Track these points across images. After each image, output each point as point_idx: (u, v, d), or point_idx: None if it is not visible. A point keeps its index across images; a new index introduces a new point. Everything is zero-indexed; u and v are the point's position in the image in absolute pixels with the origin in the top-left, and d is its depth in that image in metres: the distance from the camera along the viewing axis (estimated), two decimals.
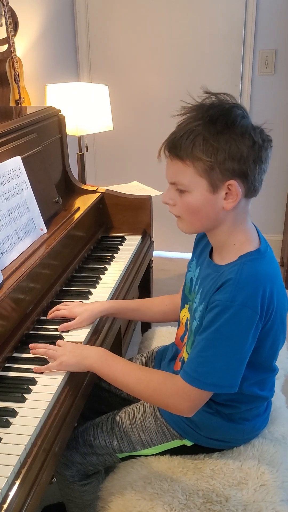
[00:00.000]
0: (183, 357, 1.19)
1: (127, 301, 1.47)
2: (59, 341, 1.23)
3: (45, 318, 1.38)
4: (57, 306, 1.38)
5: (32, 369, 1.16)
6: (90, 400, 1.41)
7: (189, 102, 1.01)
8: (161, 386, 1.07)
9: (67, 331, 1.31)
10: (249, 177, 0.98)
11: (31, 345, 1.21)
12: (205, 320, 1.02)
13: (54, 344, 1.22)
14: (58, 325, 1.33)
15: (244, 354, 1.00)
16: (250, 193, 1.02)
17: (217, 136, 0.95)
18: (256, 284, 0.97)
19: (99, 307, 1.35)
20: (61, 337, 1.28)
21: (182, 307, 1.24)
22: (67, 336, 1.29)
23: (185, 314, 1.22)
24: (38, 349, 1.20)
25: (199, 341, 1.02)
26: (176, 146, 0.98)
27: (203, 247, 1.17)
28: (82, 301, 1.45)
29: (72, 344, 1.21)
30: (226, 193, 0.99)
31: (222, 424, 1.15)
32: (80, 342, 1.27)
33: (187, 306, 1.21)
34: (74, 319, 1.33)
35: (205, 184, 0.99)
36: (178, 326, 1.28)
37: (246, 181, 0.99)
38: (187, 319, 1.20)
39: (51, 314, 1.36)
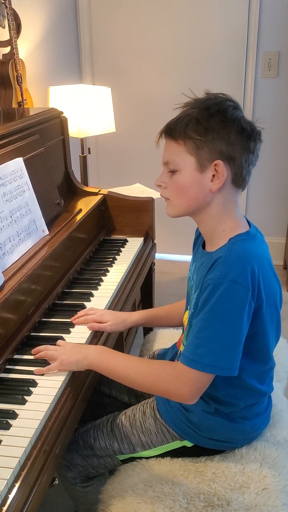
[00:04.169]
0: (180, 352, 1.19)
1: (154, 309, 1.49)
2: (59, 341, 1.23)
3: (46, 319, 1.38)
4: (85, 310, 1.38)
5: (32, 371, 1.15)
6: (90, 407, 1.41)
7: (190, 97, 1.09)
8: (161, 372, 1.08)
9: (70, 332, 1.31)
10: (236, 162, 1.04)
11: (33, 351, 1.20)
12: (200, 301, 1.03)
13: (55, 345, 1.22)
14: (59, 327, 1.33)
15: (241, 333, 1.01)
16: (238, 180, 1.06)
17: (209, 118, 1.02)
18: (245, 262, 1.00)
19: (130, 318, 1.37)
20: (62, 339, 1.28)
21: (186, 309, 1.24)
22: (68, 339, 1.29)
23: (187, 318, 1.22)
24: (39, 352, 1.19)
25: (196, 323, 1.03)
26: (171, 128, 1.06)
27: (198, 244, 1.19)
28: (84, 304, 1.44)
29: (72, 344, 1.22)
30: (213, 175, 1.04)
31: (222, 424, 1.14)
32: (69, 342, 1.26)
33: (188, 307, 1.21)
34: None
35: (193, 162, 1.04)
36: (183, 330, 1.28)
37: (233, 164, 1.04)
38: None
39: (79, 319, 1.35)
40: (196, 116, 1.03)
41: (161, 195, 1.13)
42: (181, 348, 1.19)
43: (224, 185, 1.04)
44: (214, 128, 1.02)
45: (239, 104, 1.07)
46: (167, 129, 1.07)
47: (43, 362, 1.17)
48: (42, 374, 1.14)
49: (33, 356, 1.19)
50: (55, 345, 1.22)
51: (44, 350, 1.19)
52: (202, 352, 1.01)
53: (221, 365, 1.01)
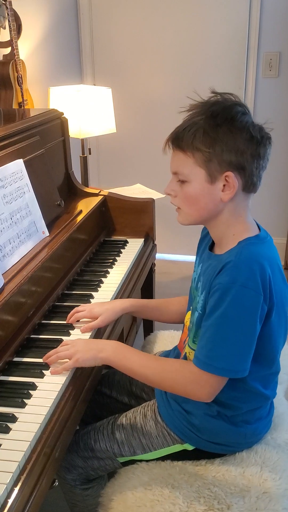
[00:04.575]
0: (185, 355, 1.19)
1: (146, 300, 1.49)
2: (67, 340, 1.22)
3: (46, 321, 1.37)
4: (76, 308, 1.37)
5: (32, 373, 1.15)
6: (91, 407, 1.41)
7: (196, 100, 1.06)
8: (178, 375, 1.09)
9: (70, 335, 1.31)
10: (247, 171, 1.02)
11: (44, 358, 1.18)
12: (208, 305, 1.03)
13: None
14: (59, 329, 1.33)
15: (254, 336, 1.01)
16: (248, 187, 1.05)
17: (216, 128, 1.00)
18: (255, 266, 0.99)
19: (121, 305, 1.35)
20: (62, 341, 1.27)
21: (188, 309, 1.24)
22: (68, 340, 1.28)
23: (188, 319, 1.22)
24: (50, 358, 1.18)
25: (208, 327, 1.03)
26: (178, 138, 1.04)
27: (205, 245, 1.19)
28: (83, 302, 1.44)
29: (83, 340, 1.22)
30: (224, 185, 1.03)
31: (223, 427, 1.14)
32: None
33: (191, 308, 1.21)
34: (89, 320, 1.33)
35: (203, 175, 1.03)
36: (183, 330, 1.28)
37: (243, 174, 1.02)
38: (190, 322, 1.19)
39: (71, 319, 1.35)
40: (203, 126, 1.00)
41: (171, 202, 1.11)
42: (187, 349, 1.18)
43: (235, 194, 1.03)
44: (222, 139, 0.99)
45: (247, 108, 1.04)
46: (174, 139, 1.05)
47: (43, 365, 1.17)
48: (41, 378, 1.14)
49: (46, 362, 1.17)
50: (56, 345, 1.21)
51: (54, 354, 1.17)
52: (215, 356, 1.01)
53: (235, 368, 1.02)
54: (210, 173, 1.02)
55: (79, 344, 1.18)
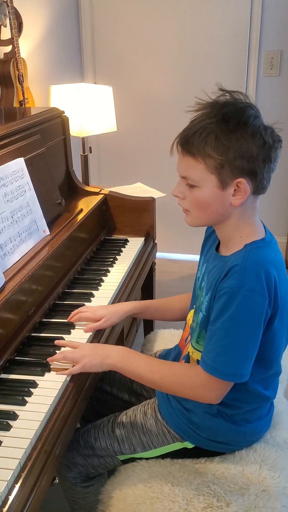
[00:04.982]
0: (188, 354, 1.20)
1: (148, 301, 1.49)
2: (73, 343, 1.23)
3: (47, 320, 1.38)
4: (79, 309, 1.38)
5: (33, 371, 1.16)
6: (91, 404, 1.42)
7: (203, 99, 1.03)
8: (185, 379, 1.09)
9: (71, 333, 1.31)
10: (258, 176, 1.01)
11: (49, 359, 1.18)
12: (214, 308, 1.03)
13: (56, 348, 1.22)
14: (59, 328, 1.33)
15: (258, 340, 1.02)
16: (258, 191, 1.05)
17: (229, 135, 0.98)
18: (261, 270, 0.99)
19: (124, 308, 1.36)
20: (61, 339, 1.28)
21: (191, 308, 1.24)
22: (68, 339, 1.29)
23: (191, 317, 1.22)
24: (55, 357, 1.18)
25: (215, 331, 1.03)
26: (188, 142, 1.01)
27: (210, 244, 1.19)
28: (84, 304, 1.44)
29: (89, 344, 1.22)
30: (235, 190, 1.02)
31: (223, 425, 1.15)
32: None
33: (194, 307, 1.21)
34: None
35: (214, 181, 1.01)
36: (184, 328, 1.28)
37: (255, 179, 1.01)
38: (193, 321, 1.20)
39: (74, 317, 1.35)
40: (215, 131, 0.97)
41: (179, 204, 1.10)
42: (190, 348, 1.19)
43: (246, 198, 1.03)
44: (235, 146, 0.97)
45: (257, 108, 1.02)
46: (184, 143, 1.02)
47: (44, 364, 1.18)
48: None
49: (50, 363, 1.18)
50: (59, 348, 1.21)
51: (61, 355, 1.18)
52: (222, 361, 1.02)
53: (240, 373, 1.02)
54: (222, 179, 1.00)
55: (86, 349, 1.18)
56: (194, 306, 1.21)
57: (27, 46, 2.67)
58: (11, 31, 2.36)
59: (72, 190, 1.99)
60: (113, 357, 1.15)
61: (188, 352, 1.20)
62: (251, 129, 0.98)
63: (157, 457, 1.21)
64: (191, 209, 1.08)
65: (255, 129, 0.98)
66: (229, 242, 1.09)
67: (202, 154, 0.99)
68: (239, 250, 1.04)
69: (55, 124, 1.87)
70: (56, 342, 1.25)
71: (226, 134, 0.97)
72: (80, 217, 1.75)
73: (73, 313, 1.37)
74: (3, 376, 1.15)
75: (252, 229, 1.07)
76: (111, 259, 1.75)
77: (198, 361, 1.15)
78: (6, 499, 0.86)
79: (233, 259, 1.03)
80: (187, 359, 1.20)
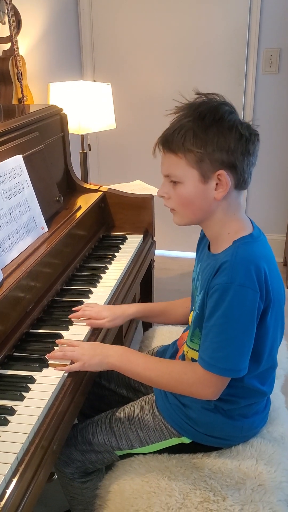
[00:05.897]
0: (183, 353, 1.21)
1: (151, 304, 1.51)
2: (73, 342, 1.24)
3: (45, 316, 1.38)
4: (86, 303, 1.40)
5: (31, 366, 1.16)
6: (89, 399, 1.42)
7: (182, 102, 1.07)
8: (182, 376, 1.10)
9: (69, 329, 1.32)
10: (238, 168, 1.03)
11: (48, 356, 1.19)
12: (208, 306, 1.05)
13: (54, 345, 1.22)
14: (57, 324, 1.34)
15: (253, 334, 1.03)
16: (240, 185, 1.06)
17: (206, 130, 1.01)
18: (251, 264, 1.01)
19: (127, 311, 1.37)
20: (60, 336, 1.28)
21: (191, 309, 1.25)
22: (66, 336, 1.30)
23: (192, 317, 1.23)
24: (55, 354, 1.19)
25: (210, 328, 1.04)
26: (168, 141, 1.05)
27: (203, 245, 1.20)
28: (83, 301, 1.45)
29: (89, 343, 1.23)
30: (217, 184, 1.04)
31: (220, 420, 1.15)
32: (81, 341, 1.27)
33: (193, 307, 1.22)
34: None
35: (196, 175, 1.04)
36: (187, 329, 1.29)
37: (235, 172, 1.04)
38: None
39: (77, 314, 1.36)
40: (192, 128, 1.01)
41: (165, 205, 1.12)
42: (185, 347, 1.19)
43: (228, 191, 1.05)
44: (213, 139, 1.01)
45: (233, 106, 1.06)
46: (164, 142, 1.06)
47: (42, 360, 1.18)
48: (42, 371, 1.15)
49: (49, 361, 1.18)
50: (56, 344, 1.22)
51: (61, 353, 1.19)
52: (219, 357, 1.03)
53: (237, 368, 1.03)
54: (203, 173, 1.03)
55: (85, 348, 1.19)
56: (193, 307, 1.22)
57: (26, 43, 2.68)
58: (10, 28, 2.36)
59: (70, 187, 2.00)
60: (112, 356, 1.16)
61: (184, 351, 1.21)
62: (227, 124, 1.01)
63: (154, 452, 1.22)
64: (177, 208, 1.10)
65: (231, 123, 1.02)
66: (218, 240, 1.10)
67: (182, 150, 1.03)
68: (228, 247, 1.05)
69: (53, 121, 1.87)
70: (57, 341, 1.25)
71: (203, 129, 1.01)
72: (78, 214, 1.75)
73: (76, 308, 1.37)
74: (1, 371, 1.16)
75: (239, 225, 1.08)
76: (110, 256, 1.76)
77: (192, 360, 1.16)
78: (4, 493, 0.87)
79: (223, 256, 1.04)
80: (183, 359, 1.22)
